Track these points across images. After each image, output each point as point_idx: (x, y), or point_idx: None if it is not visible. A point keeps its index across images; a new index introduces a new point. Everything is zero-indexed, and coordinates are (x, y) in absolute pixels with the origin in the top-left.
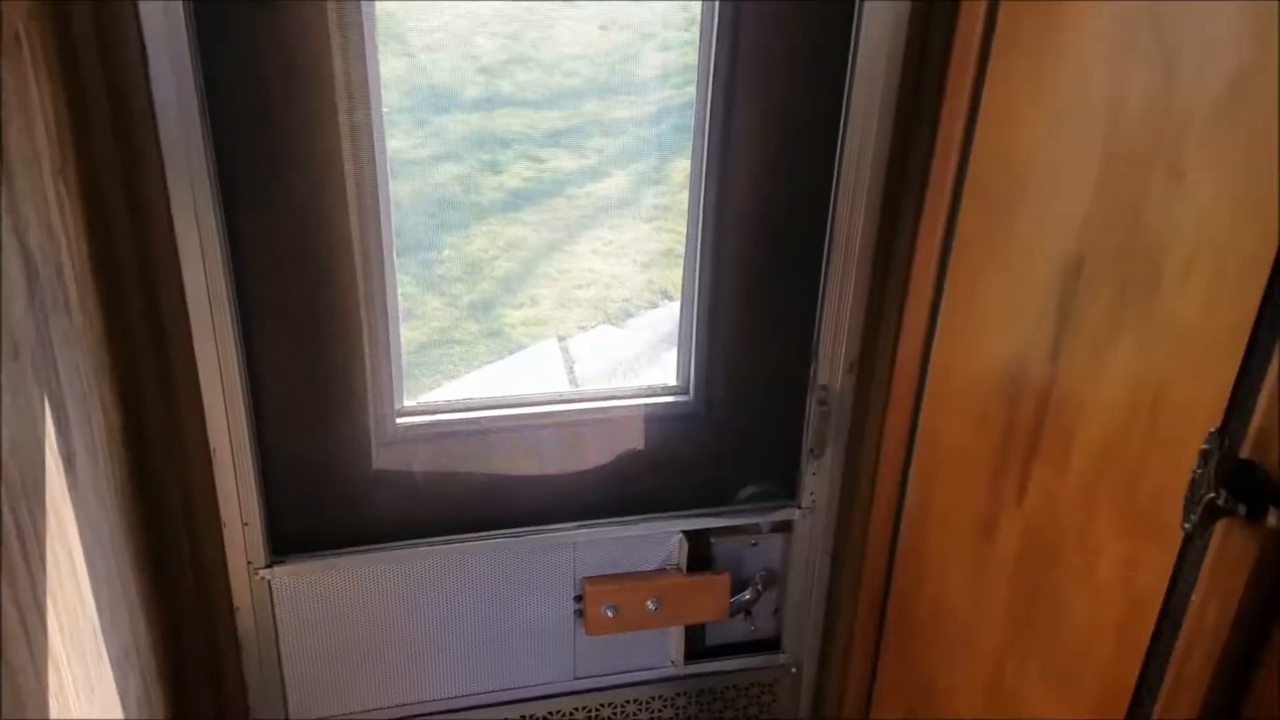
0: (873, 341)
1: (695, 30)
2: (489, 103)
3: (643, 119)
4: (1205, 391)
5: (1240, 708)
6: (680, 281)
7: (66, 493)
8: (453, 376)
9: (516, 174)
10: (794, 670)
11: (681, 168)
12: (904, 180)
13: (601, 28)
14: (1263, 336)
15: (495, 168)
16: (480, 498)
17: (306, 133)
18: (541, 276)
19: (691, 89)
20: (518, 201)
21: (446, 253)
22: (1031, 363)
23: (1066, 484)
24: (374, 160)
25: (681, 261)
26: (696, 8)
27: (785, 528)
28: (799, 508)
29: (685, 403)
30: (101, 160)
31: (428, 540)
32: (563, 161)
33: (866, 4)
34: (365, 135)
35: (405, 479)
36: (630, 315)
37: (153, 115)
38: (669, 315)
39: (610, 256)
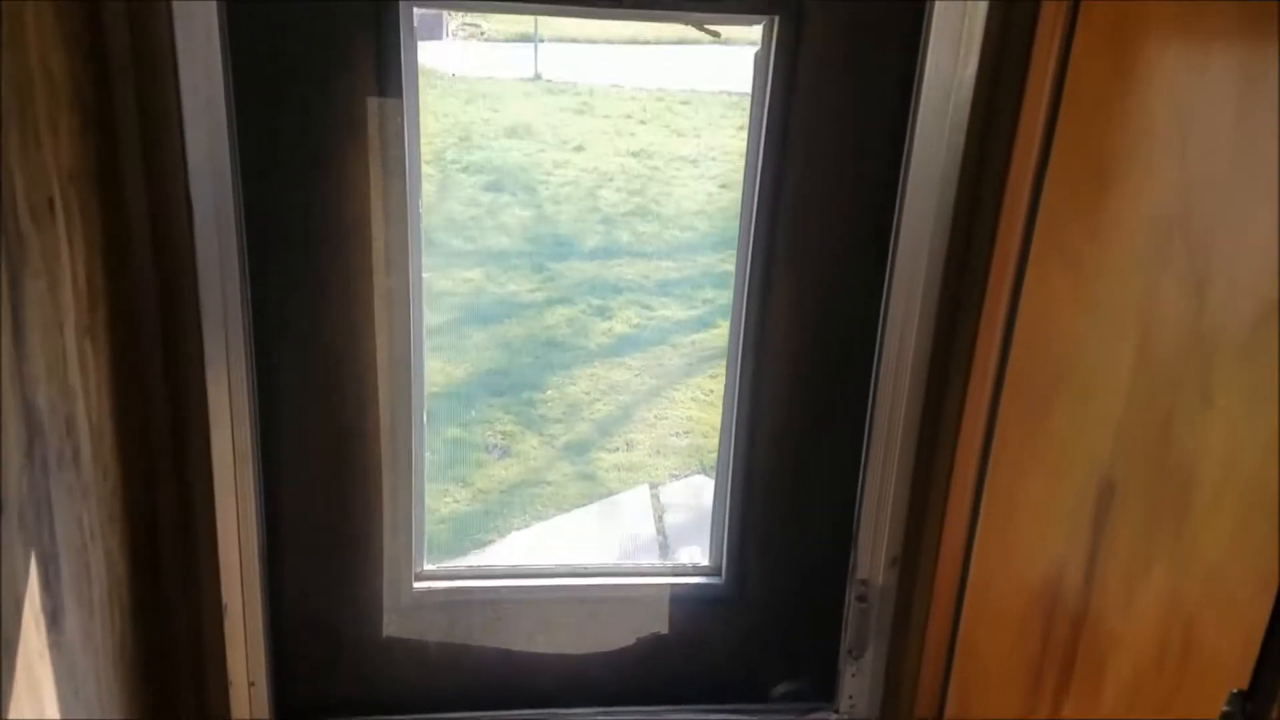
0: (916, 536)
1: None
2: (606, 251)
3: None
4: (1234, 638)
5: None
6: None
7: (45, 650)
8: (540, 518)
9: (625, 320)
10: None
11: None
12: (947, 369)
13: (722, 186)
14: None
15: (605, 313)
16: (494, 673)
17: (341, 297)
18: (639, 421)
19: None
20: (623, 347)
21: (549, 393)
22: (1067, 579)
23: (1099, 714)
24: (408, 327)
25: None
26: None
27: None
28: (836, 711)
29: (715, 585)
30: (139, 320)
31: (437, 716)
32: (671, 310)
33: (908, 194)
34: (401, 301)
35: (417, 648)
36: None
37: (195, 278)
38: None
39: (710, 406)
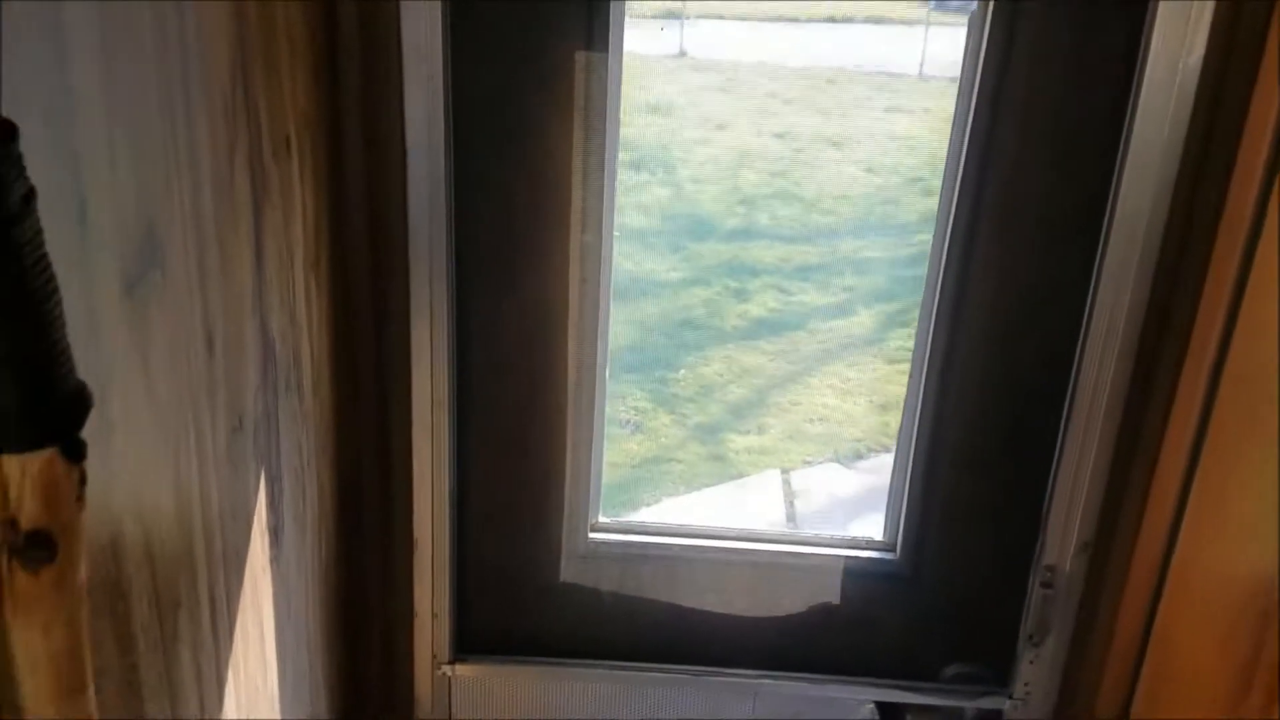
0: (1111, 523)
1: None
2: (745, 234)
3: (896, 261)
4: None
5: None
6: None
7: (268, 565)
8: (670, 494)
9: (762, 303)
10: None
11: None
12: (1159, 352)
13: (868, 170)
14: None
15: (742, 296)
16: (663, 627)
17: (541, 253)
18: (773, 406)
19: None
20: (759, 330)
21: (682, 373)
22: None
23: None
24: (599, 283)
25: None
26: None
27: (992, 717)
28: (1010, 698)
29: (890, 561)
30: (353, 260)
31: (607, 663)
32: (810, 296)
33: (1127, 171)
34: (594, 258)
35: (591, 596)
36: (860, 457)
37: (405, 224)
38: None
39: (847, 394)
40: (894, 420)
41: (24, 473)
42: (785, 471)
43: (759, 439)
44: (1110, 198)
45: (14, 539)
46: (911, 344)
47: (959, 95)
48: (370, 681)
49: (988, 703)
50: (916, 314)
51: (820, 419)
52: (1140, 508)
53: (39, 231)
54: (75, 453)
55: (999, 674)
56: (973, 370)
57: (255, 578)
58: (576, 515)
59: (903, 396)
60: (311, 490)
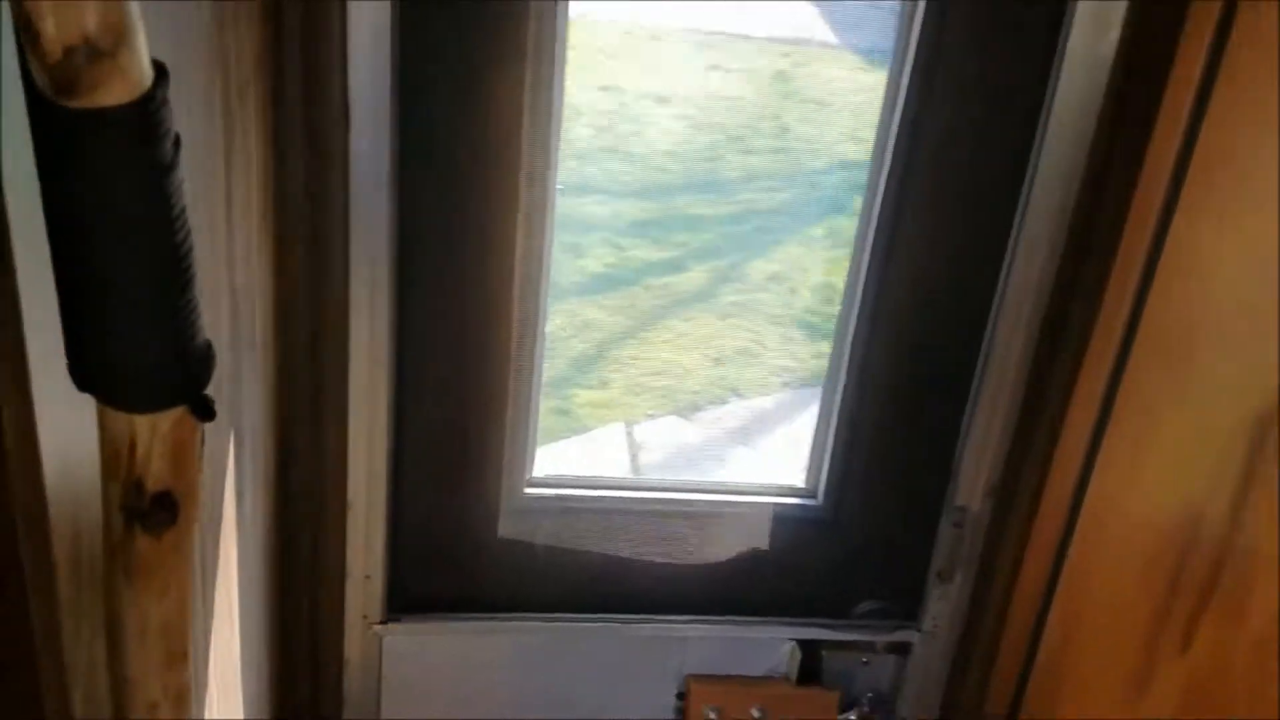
0: (1017, 468)
1: (787, 138)
2: (578, 188)
3: (726, 217)
4: None
5: None
6: (753, 379)
7: (234, 529)
8: None
9: (598, 258)
10: None
11: (760, 268)
12: (1069, 304)
13: (694, 128)
14: None
15: (578, 251)
16: (597, 578)
17: (486, 209)
18: (613, 360)
19: (776, 193)
20: (596, 285)
21: None
22: (1209, 515)
23: (1242, 638)
24: (543, 236)
25: (756, 361)
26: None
27: (901, 649)
28: (919, 630)
29: (813, 506)
30: (293, 213)
31: (541, 615)
32: (643, 252)
33: (1049, 133)
34: (540, 213)
35: (526, 551)
36: (699, 409)
37: (345, 179)
38: (737, 412)
39: (683, 349)
40: (730, 374)
41: (154, 433)
42: (629, 425)
43: (602, 393)
44: (1030, 166)
45: (139, 502)
46: (744, 299)
47: (891, 66)
48: (301, 645)
49: (897, 636)
50: (746, 270)
51: (659, 373)
52: (1047, 454)
53: (183, 181)
54: (206, 411)
55: (909, 609)
56: (895, 328)
57: (226, 545)
58: (514, 471)
59: (737, 350)
60: (259, 451)
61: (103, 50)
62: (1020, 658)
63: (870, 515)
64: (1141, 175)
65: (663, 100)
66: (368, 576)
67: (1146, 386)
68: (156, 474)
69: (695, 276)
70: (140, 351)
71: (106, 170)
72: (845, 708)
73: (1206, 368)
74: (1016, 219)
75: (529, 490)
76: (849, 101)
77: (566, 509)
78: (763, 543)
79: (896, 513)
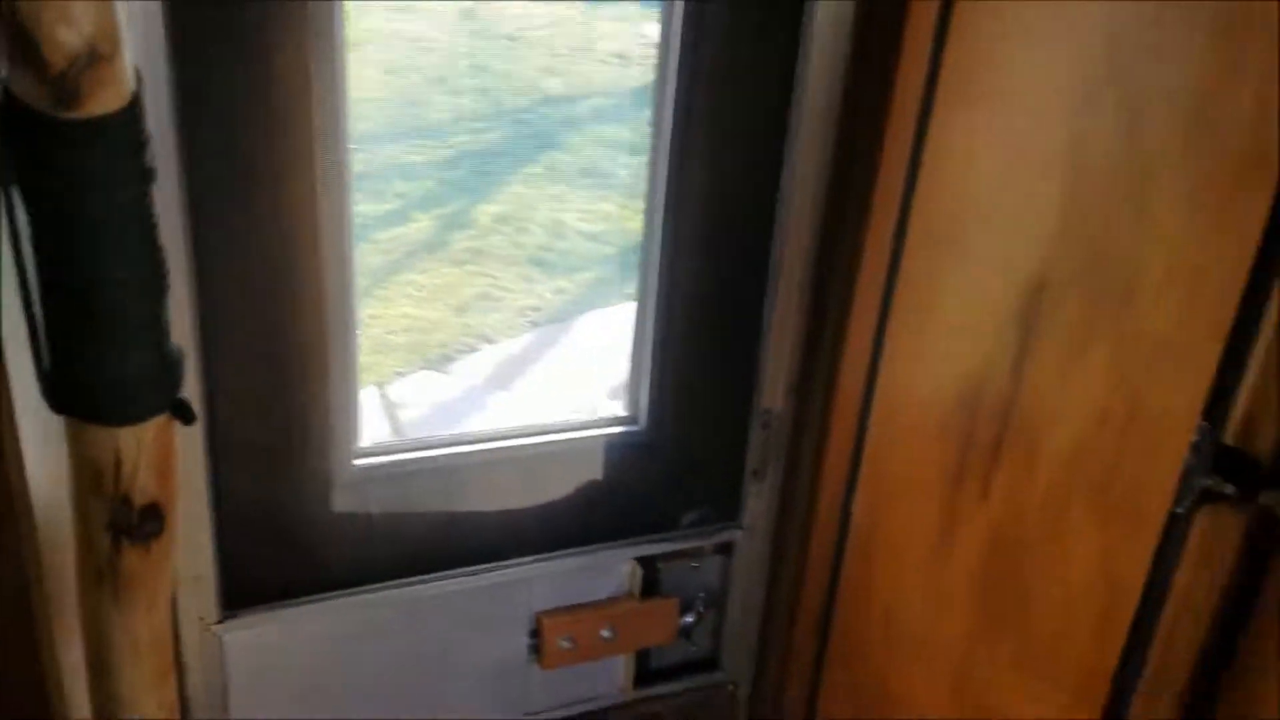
0: (812, 366)
1: (484, 77)
2: None
3: (441, 163)
4: (1183, 395)
5: (1222, 684)
6: (500, 323)
7: None
8: None
9: None
10: (731, 688)
11: (486, 211)
12: (844, 212)
13: (388, 72)
14: (1239, 340)
15: None
16: (439, 537)
17: (280, 167)
18: None
19: (486, 134)
20: None
21: None
22: (992, 379)
23: (1034, 486)
24: (343, 204)
25: (500, 305)
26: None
27: (727, 549)
28: (740, 528)
29: (637, 432)
30: None
31: (386, 584)
32: (363, 206)
33: (811, 61)
34: (336, 170)
35: (363, 521)
36: (451, 360)
37: None
38: (490, 359)
39: (423, 302)
40: (475, 321)
41: (139, 444)
42: (380, 386)
43: None
44: (796, 84)
45: (128, 517)
46: (477, 244)
47: (665, 16)
48: None
49: (722, 537)
50: (474, 215)
51: (403, 330)
52: (838, 350)
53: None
54: (188, 414)
55: (730, 511)
56: (691, 253)
57: None
58: (340, 444)
59: (477, 296)
60: None
61: (103, 55)
62: (833, 537)
63: (689, 431)
64: (896, 82)
65: (355, 46)
66: (197, 577)
67: (923, 275)
68: (143, 486)
69: (422, 226)
70: (128, 360)
71: (103, 180)
72: (683, 611)
73: (975, 252)
74: (790, 132)
75: (357, 462)
76: (540, 36)
77: (398, 474)
78: (596, 474)
79: (712, 425)
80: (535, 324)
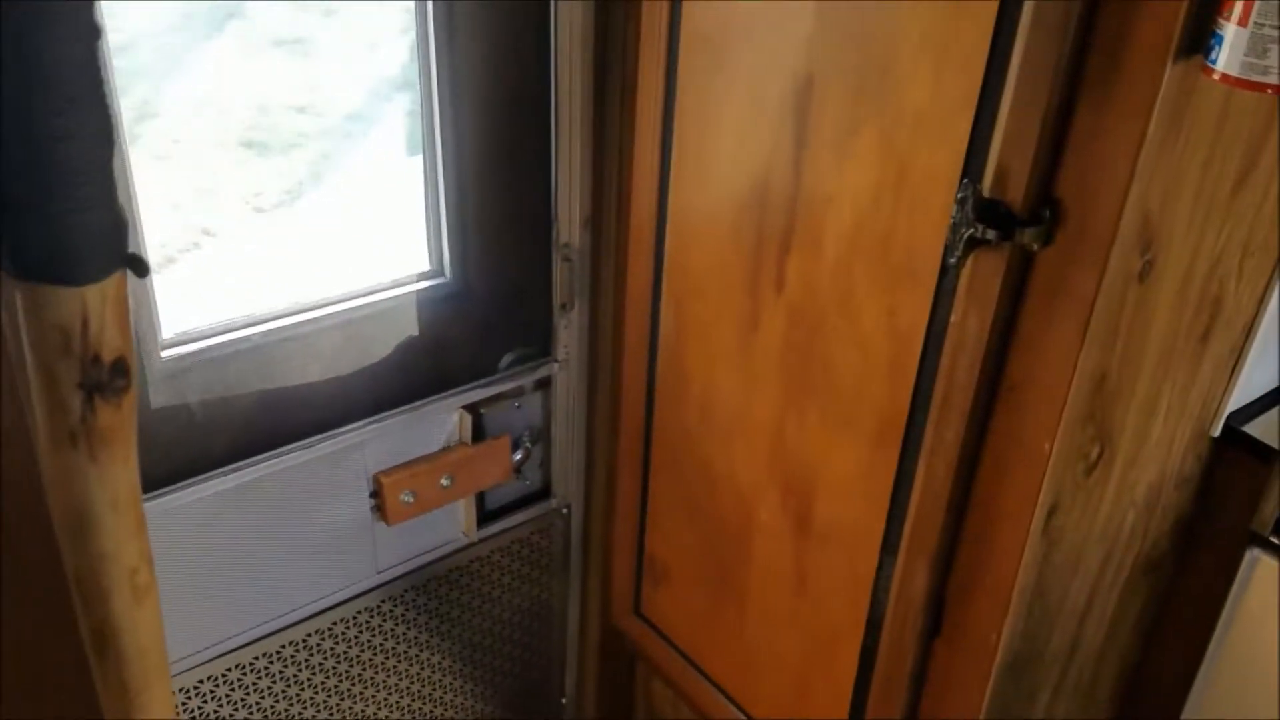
0: (601, 194)
1: None
2: None
3: (113, 47)
4: (944, 158)
5: (996, 404)
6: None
7: None
8: None
9: None
10: (565, 511)
11: (175, 95)
12: (615, 39)
13: None
14: (986, 105)
15: None
16: (265, 417)
17: None
18: None
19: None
20: None
21: None
22: (775, 175)
23: (823, 265)
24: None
25: (218, 194)
26: None
27: (545, 384)
28: (556, 361)
29: (445, 284)
30: None
31: (216, 472)
32: None
33: None
34: None
35: (184, 413)
36: (174, 261)
37: None
38: (214, 253)
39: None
40: (193, 215)
41: (104, 301)
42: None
43: None
44: None
45: (100, 374)
46: (173, 131)
47: None
48: None
49: (540, 373)
50: (158, 101)
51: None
52: (620, 179)
53: None
54: (141, 268)
55: (544, 348)
56: (471, 97)
57: None
58: (145, 337)
59: (194, 190)
60: None
61: None
62: (644, 352)
63: (495, 276)
64: None
65: None
66: None
67: (698, 91)
68: (110, 342)
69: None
70: (89, 219)
71: (55, 38)
72: (513, 449)
73: (745, 59)
74: None
75: (165, 353)
76: None
77: (210, 359)
78: (412, 330)
79: (516, 267)
80: (260, 209)
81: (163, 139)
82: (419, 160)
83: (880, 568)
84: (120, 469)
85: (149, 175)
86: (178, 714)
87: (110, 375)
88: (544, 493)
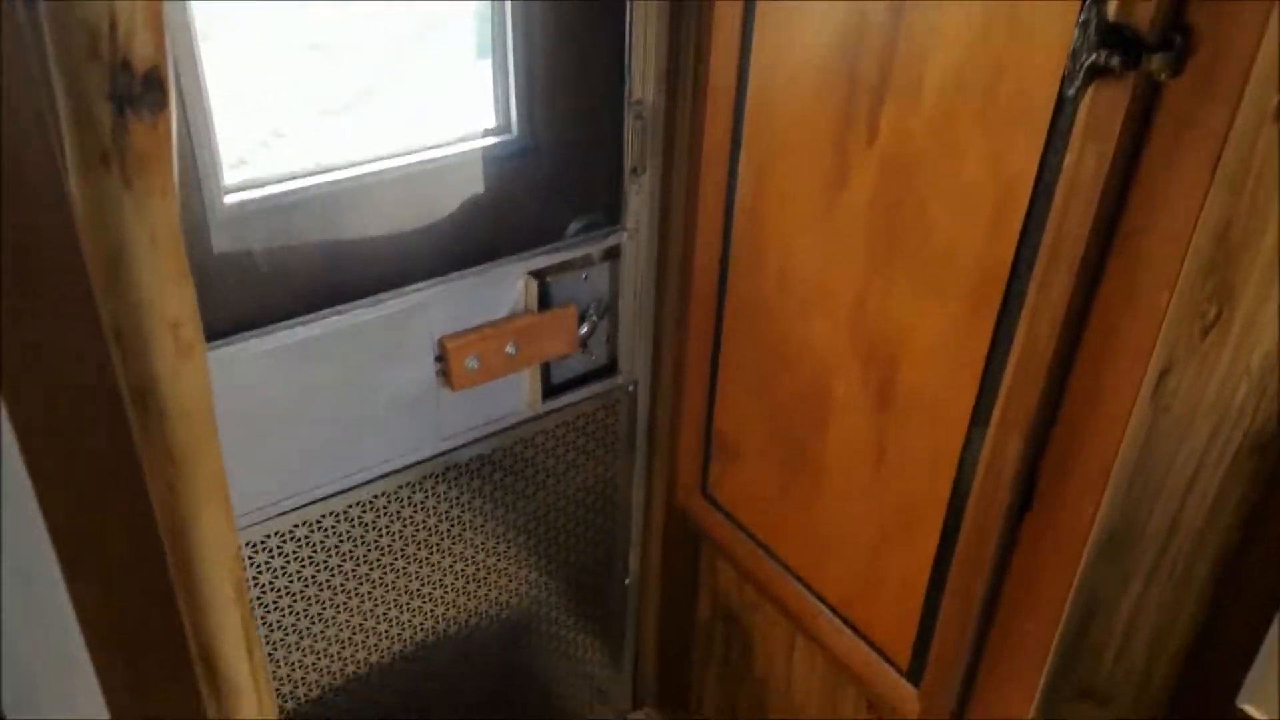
0: (677, 49)
1: None
2: None
3: None
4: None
5: (1111, 254)
6: None
7: None
8: None
9: None
10: (630, 389)
11: None
12: None
13: None
14: None
15: None
16: (329, 271)
17: None
18: None
19: None
20: None
21: None
22: (870, 16)
23: (921, 112)
24: None
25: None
26: None
27: (614, 254)
28: (625, 230)
29: (511, 141)
30: None
31: (280, 324)
32: None
33: None
34: None
35: (247, 260)
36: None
37: None
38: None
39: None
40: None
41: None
42: None
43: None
44: None
45: (131, 84)
46: None
47: None
48: None
49: (609, 242)
50: None
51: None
52: (699, 35)
53: None
54: None
55: (613, 216)
56: None
57: None
58: (208, 181)
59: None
60: None
61: None
62: (719, 220)
63: (564, 134)
64: None
65: None
66: None
67: None
68: (141, 49)
69: None
70: None
71: None
72: (579, 322)
73: None
74: None
75: (229, 199)
76: None
77: (275, 208)
78: (478, 189)
79: (586, 126)
80: (331, 112)
81: (234, 39)
82: (488, 64)
83: (968, 441)
84: (158, 201)
85: (220, 74)
86: (240, 550)
87: (143, 88)
88: (610, 368)
